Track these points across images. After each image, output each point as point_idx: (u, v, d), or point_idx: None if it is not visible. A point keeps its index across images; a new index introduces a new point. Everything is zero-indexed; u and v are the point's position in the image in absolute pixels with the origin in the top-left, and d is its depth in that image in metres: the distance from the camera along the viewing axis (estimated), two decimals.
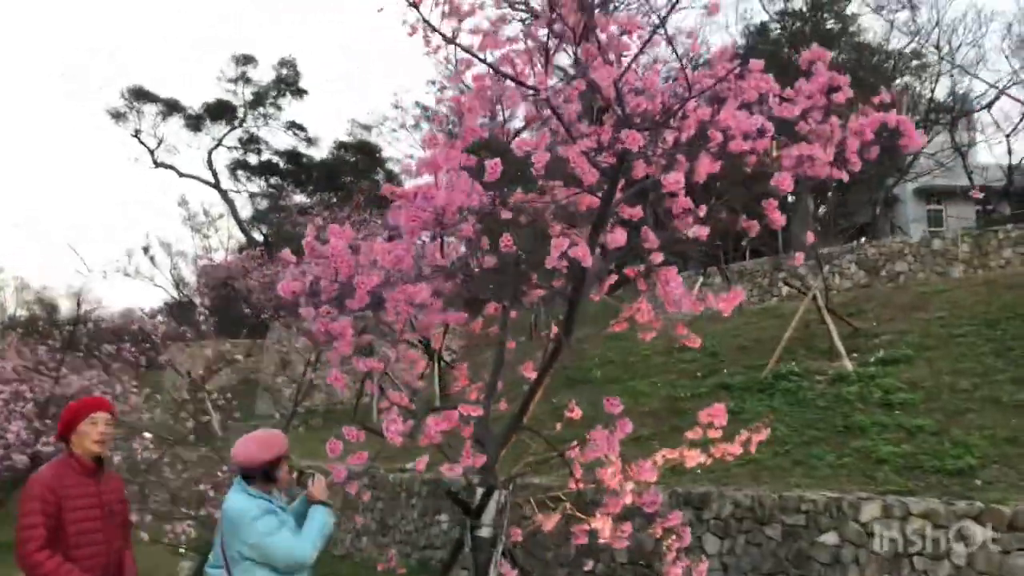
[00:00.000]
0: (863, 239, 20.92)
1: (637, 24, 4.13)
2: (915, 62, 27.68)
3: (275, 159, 41.18)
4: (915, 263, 16.73)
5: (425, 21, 3.80)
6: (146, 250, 40.32)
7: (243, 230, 40.43)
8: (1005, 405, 8.32)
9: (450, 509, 10.56)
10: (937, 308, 11.85)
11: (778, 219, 4.14)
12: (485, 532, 4.70)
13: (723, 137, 3.77)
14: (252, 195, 41.93)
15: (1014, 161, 25.24)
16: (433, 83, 48.48)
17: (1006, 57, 32.08)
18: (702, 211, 4.12)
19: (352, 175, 37.38)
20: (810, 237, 6.88)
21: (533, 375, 5.06)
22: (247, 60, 39.92)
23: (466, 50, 4.06)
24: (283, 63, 39.96)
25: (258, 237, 38.94)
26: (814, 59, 4.12)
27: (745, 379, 11.43)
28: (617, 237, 3.71)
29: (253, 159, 41.53)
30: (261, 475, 3.55)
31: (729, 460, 5.27)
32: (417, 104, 47.79)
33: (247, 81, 40.28)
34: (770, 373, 11.23)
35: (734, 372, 11.99)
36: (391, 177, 41.80)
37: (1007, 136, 24.79)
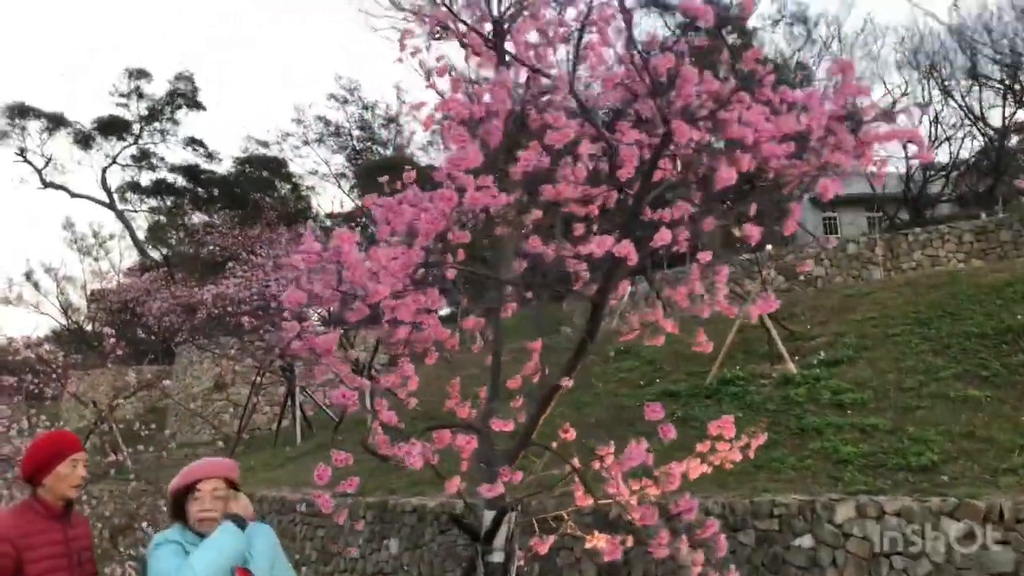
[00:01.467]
0: (769, 247, 21.47)
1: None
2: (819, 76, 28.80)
3: (172, 176, 39.60)
4: (831, 267, 17.27)
5: (455, 15, 3.52)
6: (28, 276, 38.05)
7: (141, 251, 38.60)
8: (954, 401, 8.53)
9: (399, 533, 10.14)
10: (867, 310, 12.16)
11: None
12: (497, 557, 4.40)
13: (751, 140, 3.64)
14: (152, 210, 40.11)
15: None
16: (335, 97, 47.75)
17: (898, 69, 33.90)
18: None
19: (258, 191, 36.24)
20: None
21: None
22: (141, 74, 38.30)
23: (491, 43, 3.79)
24: (179, 77, 38.48)
25: (157, 257, 37.24)
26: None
27: (689, 386, 11.43)
28: (663, 235, 3.48)
29: (149, 176, 39.85)
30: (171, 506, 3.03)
31: (728, 467, 5.16)
32: (320, 119, 46.89)
33: (141, 96, 38.57)
34: (714, 379, 11.26)
35: (676, 379, 11.99)
36: (298, 192, 40.83)
37: (904, 145, 25.94)
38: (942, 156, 25.87)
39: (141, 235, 39.52)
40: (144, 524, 7.64)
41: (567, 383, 4.20)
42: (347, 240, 3.93)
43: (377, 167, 47.61)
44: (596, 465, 4.71)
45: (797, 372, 10.55)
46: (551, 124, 3.99)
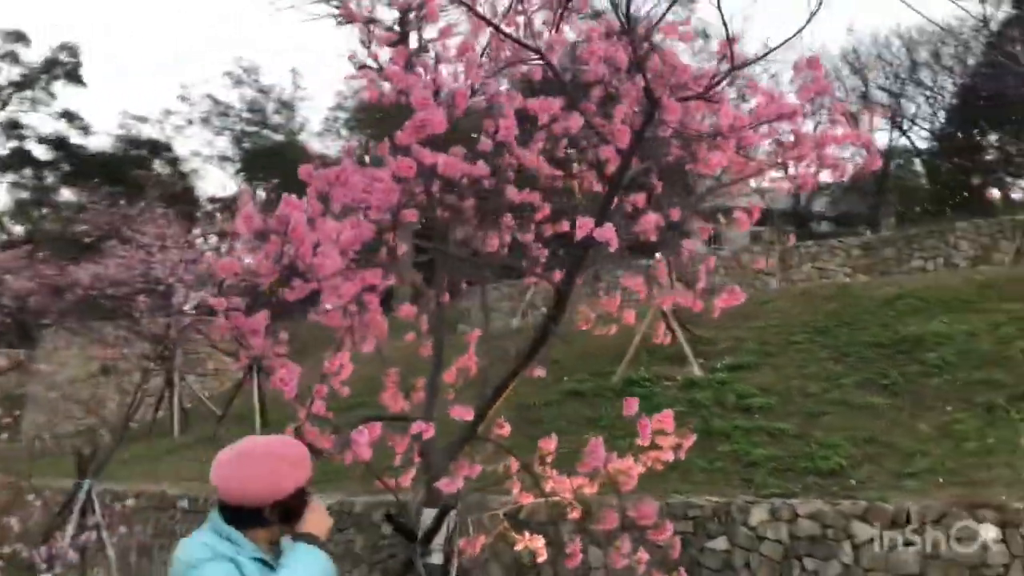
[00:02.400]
0: (657, 255, 21.89)
1: None
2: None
3: (41, 148, 36.91)
4: (725, 276, 17.69)
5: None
6: None
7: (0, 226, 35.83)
8: (856, 407, 8.77)
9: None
10: (767, 317, 12.44)
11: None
12: (436, 558, 4.09)
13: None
14: (15, 184, 37.29)
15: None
16: (229, 75, 45.79)
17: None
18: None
19: (136, 169, 34.22)
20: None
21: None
22: (18, 37, 35.51)
23: (476, 13, 3.49)
24: (62, 47, 35.89)
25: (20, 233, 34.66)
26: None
27: (595, 386, 11.38)
28: (648, 220, 3.28)
29: (13, 147, 36.99)
30: (264, 514, 2.14)
31: (660, 468, 5.03)
32: (209, 97, 44.85)
33: (17, 61, 35.78)
34: (621, 379, 11.25)
35: (581, 379, 11.92)
36: (179, 172, 38.86)
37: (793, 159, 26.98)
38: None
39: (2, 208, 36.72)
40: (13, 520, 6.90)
41: (540, 372, 3.97)
42: (295, 208, 3.55)
43: (266, 152, 46.02)
44: (537, 463, 4.51)
45: (702, 375, 10.65)
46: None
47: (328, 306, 4.07)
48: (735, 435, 8.83)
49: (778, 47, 3.28)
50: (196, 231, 21.41)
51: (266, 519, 2.14)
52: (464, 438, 4.18)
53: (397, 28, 29.33)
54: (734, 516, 7.07)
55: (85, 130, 37.29)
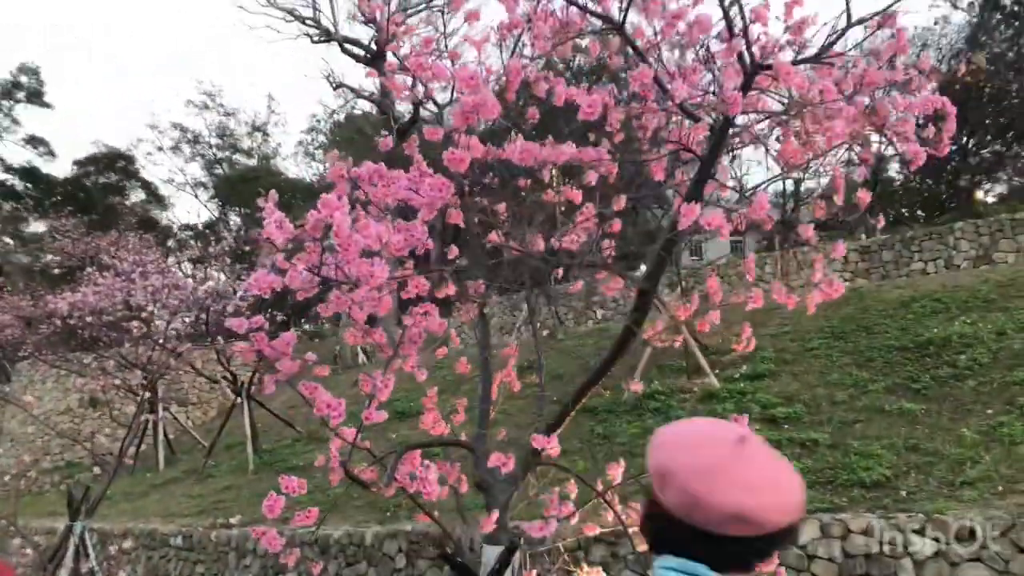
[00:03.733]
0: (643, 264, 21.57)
1: None
2: None
3: (7, 177, 35.89)
4: (724, 284, 17.32)
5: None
6: None
7: None
8: (890, 414, 8.37)
9: (296, 568, 9.01)
10: (779, 324, 12.08)
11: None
12: None
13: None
14: None
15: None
16: (192, 103, 45.16)
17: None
18: None
19: (108, 196, 33.39)
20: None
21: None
22: None
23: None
24: (23, 69, 35.01)
25: None
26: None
27: (606, 401, 10.93)
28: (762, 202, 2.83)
29: None
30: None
31: None
32: (176, 125, 44.23)
33: None
34: (632, 394, 10.80)
35: (591, 394, 11.44)
36: (155, 196, 38.08)
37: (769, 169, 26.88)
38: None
39: None
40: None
41: (636, 387, 3.48)
42: (338, 209, 3.05)
43: (239, 177, 45.31)
44: (600, 487, 4.04)
45: (721, 386, 10.23)
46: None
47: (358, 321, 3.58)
48: None
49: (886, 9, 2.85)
50: (172, 259, 20.79)
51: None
52: (526, 465, 3.69)
53: (374, 46, 28.96)
54: None
55: (52, 155, 36.36)
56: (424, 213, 3.24)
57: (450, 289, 3.55)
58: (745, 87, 2.83)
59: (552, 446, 3.46)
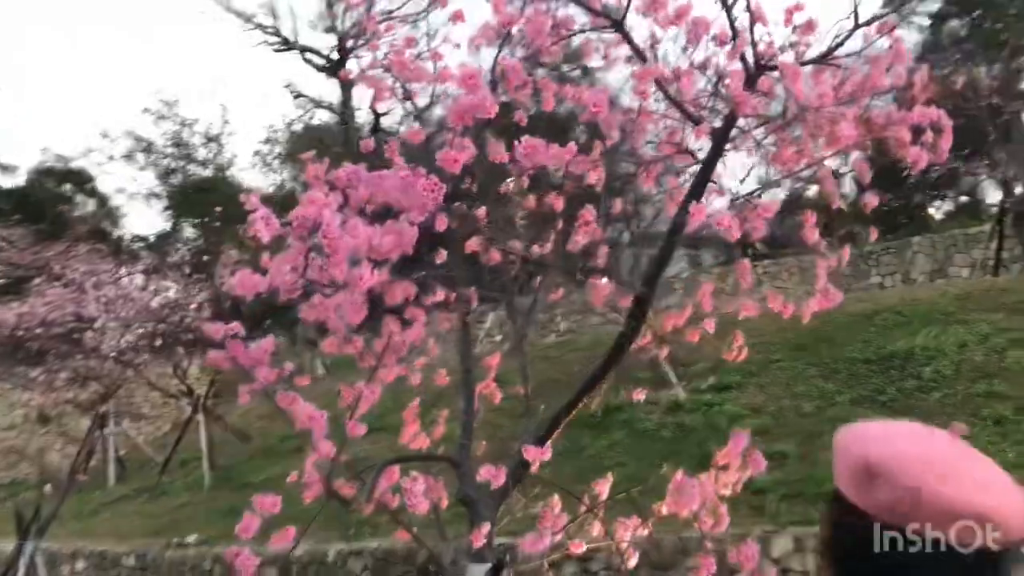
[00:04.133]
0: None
1: None
2: None
3: None
4: (684, 297, 17.40)
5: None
6: None
7: None
8: None
9: None
10: (743, 336, 12.12)
11: None
12: None
13: None
14: None
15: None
16: (149, 111, 44.40)
17: None
18: None
19: (58, 205, 32.49)
20: None
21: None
22: None
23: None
24: None
25: None
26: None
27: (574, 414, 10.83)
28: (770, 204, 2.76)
29: None
30: None
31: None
32: (129, 133, 43.32)
33: None
34: (599, 407, 10.72)
35: (556, 408, 11.36)
36: (106, 205, 37.20)
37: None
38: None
39: None
40: None
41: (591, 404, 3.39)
42: (327, 207, 2.91)
43: (194, 188, 44.52)
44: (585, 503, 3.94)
45: (687, 398, 10.22)
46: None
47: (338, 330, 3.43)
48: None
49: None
50: (123, 270, 20.27)
51: None
52: (516, 478, 3.56)
53: (335, 55, 28.74)
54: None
55: (4, 168, 35.30)
56: (414, 215, 3.11)
57: (439, 295, 3.43)
58: (748, 88, 2.77)
59: (545, 457, 3.34)
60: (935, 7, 27.01)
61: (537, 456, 3.14)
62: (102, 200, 34.61)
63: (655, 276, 3.17)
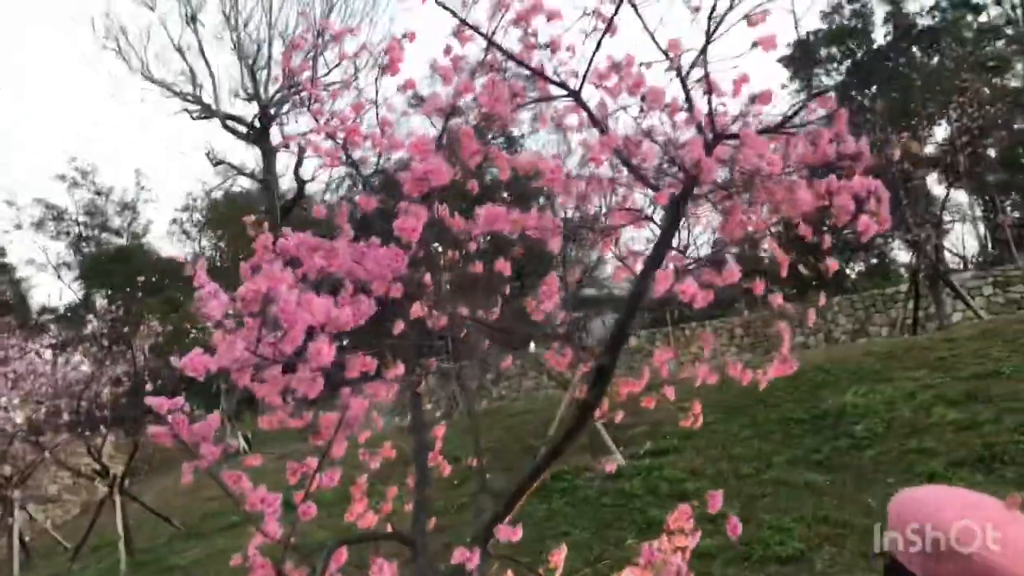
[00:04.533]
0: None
1: None
2: None
3: None
4: (631, 360, 17.55)
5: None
6: None
7: None
8: (796, 486, 8.47)
9: None
10: (677, 399, 12.18)
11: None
12: None
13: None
14: None
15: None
16: (63, 178, 43.17)
17: None
18: None
19: None
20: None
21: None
22: None
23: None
24: None
25: None
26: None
27: (510, 483, 10.62)
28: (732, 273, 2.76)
29: None
30: None
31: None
32: (39, 201, 42.01)
33: None
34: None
35: (492, 477, 11.15)
36: (15, 284, 35.75)
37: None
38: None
39: None
40: None
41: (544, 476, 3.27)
42: (281, 281, 2.78)
43: (108, 257, 43.19)
44: None
45: (626, 463, 10.16)
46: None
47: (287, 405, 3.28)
48: None
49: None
50: (30, 344, 19.35)
51: None
52: (482, 557, 3.41)
53: (257, 123, 28.51)
54: None
55: None
56: (376, 286, 3.02)
57: (399, 368, 3.30)
58: (707, 155, 2.78)
59: (516, 538, 3.21)
60: (839, 79, 28.57)
61: (509, 536, 3.00)
62: (7, 270, 33.16)
63: (617, 344, 3.12)
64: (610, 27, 3.01)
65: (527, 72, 3.05)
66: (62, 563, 13.93)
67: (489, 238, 3.99)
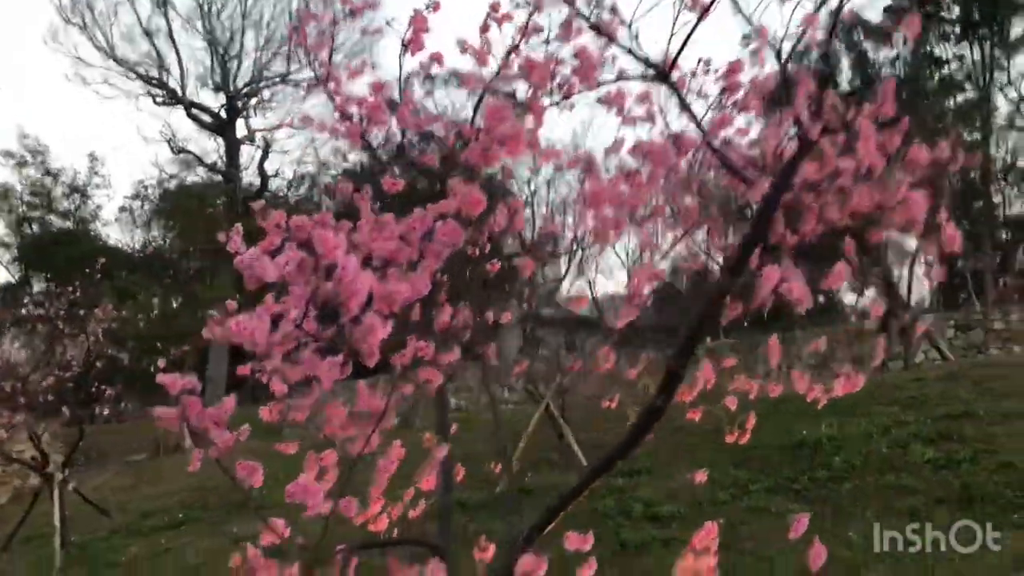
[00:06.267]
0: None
1: None
2: None
3: None
4: (583, 382, 17.34)
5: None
6: None
7: None
8: (775, 515, 8.34)
9: None
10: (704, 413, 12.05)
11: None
12: None
13: None
14: None
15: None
16: (11, 155, 41.70)
17: None
18: None
19: None
20: None
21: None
22: None
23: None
24: None
25: None
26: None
27: (481, 496, 10.33)
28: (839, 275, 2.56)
29: None
30: None
31: None
32: None
33: None
34: (510, 487, 10.29)
35: (464, 488, 10.84)
36: None
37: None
38: None
39: None
40: None
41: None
42: (339, 247, 2.48)
43: (52, 239, 41.70)
44: None
45: (598, 482, 9.93)
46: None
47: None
48: (652, 547, 8.10)
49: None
50: None
51: None
52: (507, 568, 3.14)
53: (224, 114, 27.88)
54: None
55: None
56: (429, 263, 2.75)
57: (454, 354, 3.03)
58: (806, 151, 2.59)
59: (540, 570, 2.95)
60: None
61: (578, 546, 2.75)
62: None
63: (689, 348, 2.88)
64: (707, 11, 2.81)
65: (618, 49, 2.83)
66: None
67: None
